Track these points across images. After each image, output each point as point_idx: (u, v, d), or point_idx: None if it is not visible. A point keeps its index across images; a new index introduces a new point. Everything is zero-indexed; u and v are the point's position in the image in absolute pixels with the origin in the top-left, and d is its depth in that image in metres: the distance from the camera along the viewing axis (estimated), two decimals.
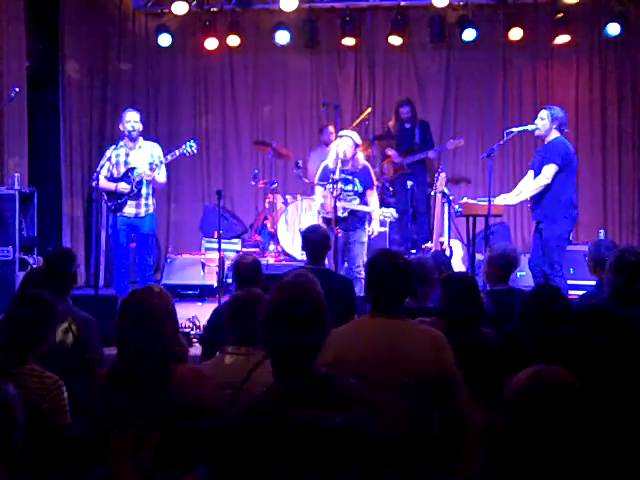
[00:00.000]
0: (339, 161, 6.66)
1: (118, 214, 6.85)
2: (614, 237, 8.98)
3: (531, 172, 6.39)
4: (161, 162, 6.88)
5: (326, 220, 6.76)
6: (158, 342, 2.81)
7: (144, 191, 6.88)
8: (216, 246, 7.59)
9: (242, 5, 9.40)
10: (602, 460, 2.08)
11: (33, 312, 3.16)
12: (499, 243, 6.05)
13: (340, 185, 6.61)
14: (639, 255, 3.94)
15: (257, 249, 8.73)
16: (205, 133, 9.89)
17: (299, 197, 8.50)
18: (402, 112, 9.07)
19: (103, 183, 6.77)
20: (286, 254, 8.42)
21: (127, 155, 6.89)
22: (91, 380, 3.00)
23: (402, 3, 9.34)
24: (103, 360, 3.98)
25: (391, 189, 9.06)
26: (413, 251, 8.22)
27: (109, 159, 6.82)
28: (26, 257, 7.52)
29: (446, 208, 6.73)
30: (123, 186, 6.80)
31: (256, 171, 9.04)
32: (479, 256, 6.60)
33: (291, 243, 8.35)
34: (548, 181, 6.09)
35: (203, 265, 8.28)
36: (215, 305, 5.70)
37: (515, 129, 6.50)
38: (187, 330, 5.71)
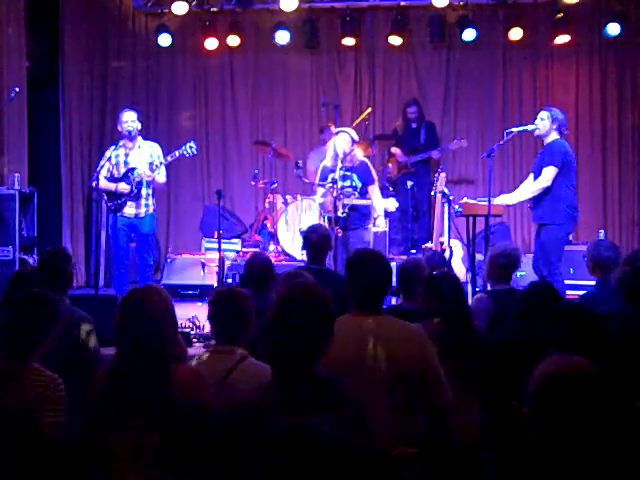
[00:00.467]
0: (338, 159, 6.65)
1: (118, 214, 6.85)
2: (614, 237, 8.98)
3: (531, 176, 6.39)
4: (161, 162, 6.88)
5: (330, 220, 6.75)
6: (157, 341, 2.80)
7: (144, 191, 6.87)
8: (216, 246, 7.59)
9: (242, 5, 9.40)
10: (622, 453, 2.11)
11: (34, 311, 3.15)
12: (500, 243, 6.05)
13: (339, 183, 6.60)
14: None
15: (257, 249, 8.72)
16: (205, 133, 9.89)
17: (299, 197, 8.50)
18: (409, 112, 9.10)
19: (103, 183, 6.76)
20: (286, 254, 8.42)
21: (127, 155, 6.89)
22: (89, 380, 2.98)
23: (402, 3, 9.34)
24: (101, 360, 3.98)
25: (391, 189, 9.07)
26: (413, 251, 8.23)
27: (109, 159, 6.82)
28: (26, 257, 7.52)
29: (446, 208, 6.73)
30: (123, 186, 6.80)
31: (256, 171, 9.03)
32: (479, 256, 6.60)
33: (291, 243, 8.35)
34: (548, 183, 6.09)
35: (203, 265, 8.28)
36: None
37: (515, 129, 6.49)
38: (187, 330, 5.71)
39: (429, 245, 6.87)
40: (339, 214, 6.60)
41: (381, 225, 6.99)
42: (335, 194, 6.54)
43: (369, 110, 9.35)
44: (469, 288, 6.58)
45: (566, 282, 6.33)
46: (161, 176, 6.94)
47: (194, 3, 9.40)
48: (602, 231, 8.77)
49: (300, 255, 7.85)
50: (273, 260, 8.17)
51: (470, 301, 5.57)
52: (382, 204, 6.85)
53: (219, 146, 9.97)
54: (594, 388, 1.98)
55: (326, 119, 9.44)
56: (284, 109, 9.93)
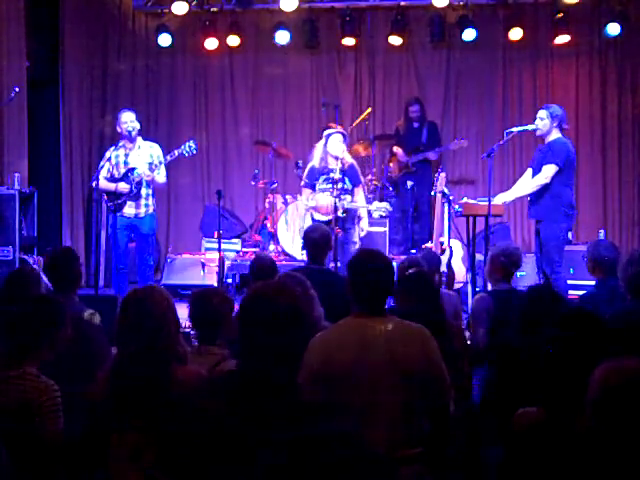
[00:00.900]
0: (338, 161, 6.66)
1: (118, 214, 6.85)
2: (614, 237, 8.97)
3: (530, 170, 6.39)
4: (160, 162, 6.88)
5: (319, 222, 6.74)
6: (159, 341, 2.79)
7: (144, 191, 6.87)
8: (216, 246, 7.59)
9: (242, 5, 9.40)
10: None
11: (32, 314, 3.11)
12: (501, 242, 6.05)
13: (339, 183, 6.62)
14: None
15: (257, 249, 8.72)
16: (205, 133, 9.89)
17: (299, 197, 8.49)
18: (411, 111, 9.07)
19: (103, 184, 6.77)
20: (286, 254, 8.41)
21: (126, 156, 6.89)
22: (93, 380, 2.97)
23: (402, 3, 9.34)
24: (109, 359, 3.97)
25: (391, 189, 9.07)
26: (413, 251, 8.22)
27: (109, 160, 6.82)
28: (26, 257, 7.51)
29: (446, 208, 6.73)
30: (123, 186, 6.80)
31: (256, 171, 9.03)
32: (479, 256, 6.60)
33: (291, 243, 8.34)
34: (547, 181, 6.09)
35: (203, 265, 8.28)
36: None
37: (515, 129, 6.50)
38: (187, 330, 5.70)
39: (429, 245, 6.88)
40: (339, 214, 6.61)
41: (365, 228, 7.03)
42: (335, 194, 6.54)
43: (369, 110, 9.34)
44: (469, 288, 6.59)
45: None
46: (161, 176, 6.94)
47: (194, 3, 9.40)
48: (602, 231, 8.77)
49: (300, 255, 7.85)
50: None
51: (470, 301, 5.58)
52: (374, 206, 6.94)
53: (219, 146, 9.97)
54: None
55: (326, 119, 9.44)
56: (284, 109, 9.93)
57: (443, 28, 9.31)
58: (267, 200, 8.73)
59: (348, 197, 6.84)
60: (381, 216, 7.38)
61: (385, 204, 6.99)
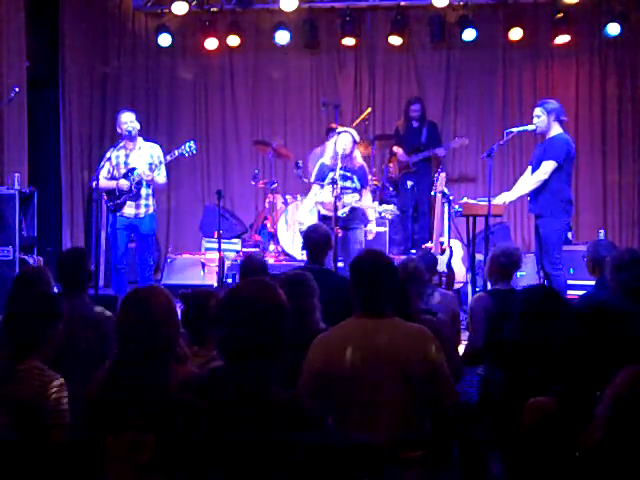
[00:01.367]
0: (339, 159, 6.66)
1: (118, 214, 6.86)
2: (614, 237, 8.97)
3: (530, 169, 6.38)
4: (161, 162, 6.88)
5: (324, 218, 6.76)
6: (158, 340, 2.78)
7: (144, 191, 6.87)
8: (216, 246, 7.59)
9: (242, 5, 9.40)
10: None
11: (34, 310, 3.13)
12: (502, 242, 6.05)
13: (340, 182, 6.61)
14: None
15: (257, 249, 8.72)
16: (205, 133, 9.89)
17: (299, 197, 8.49)
18: (412, 110, 9.05)
19: (103, 183, 6.77)
20: (286, 254, 8.42)
21: (127, 156, 6.89)
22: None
23: (402, 3, 9.34)
24: None
25: (391, 189, 9.07)
26: (413, 251, 8.22)
27: (109, 160, 6.82)
28: (26, 257, 7.51)
29: (446, 208, 6.73)
30: (123, 182, 6.81)
31: (256, 171, 9.03)
32: (479, 256, 6.60)
33: (291, 243, 8.35)
34: (546, 177, 6.08)
35: (203, 265, 8.28)
36: None
37: (515, 129, 6.49)
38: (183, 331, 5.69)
39: (429, 245, 6.88)
40: (339, 214, 6.61)
41: (373, 230, 7.01)
42: (335, 194, 6.54)
43: (369, 110, 9.35)
44: (469, 288, 6.59)
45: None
46: (161, 176, 6.94)
47: (194, 3, 9.40)
48: (602, 231, 8.77)
49: (300, 255, 7.85)
50: (273, 260, 8.27)
51: (470, 301, 5.58)
52: (380, 208, 6.90)
53: (219, 146, 9.97)
54: None
55: (326, 119, 9.44)
56: (284, 109, 9.93)
57: (443, 28, 9.31)
58: (267, 200, 8.74)
59: (356, 196, 6.82)
60: (386, 217, 7.36)
61: (391, 206, 6.98)
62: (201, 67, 9.92)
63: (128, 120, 6.87)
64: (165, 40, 9.42)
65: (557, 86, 9.45)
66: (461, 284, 7.14)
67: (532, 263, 6.90)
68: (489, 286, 5.14)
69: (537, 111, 6.23)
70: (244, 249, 8.77)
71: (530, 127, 6.33)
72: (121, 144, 6.92)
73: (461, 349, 4.65)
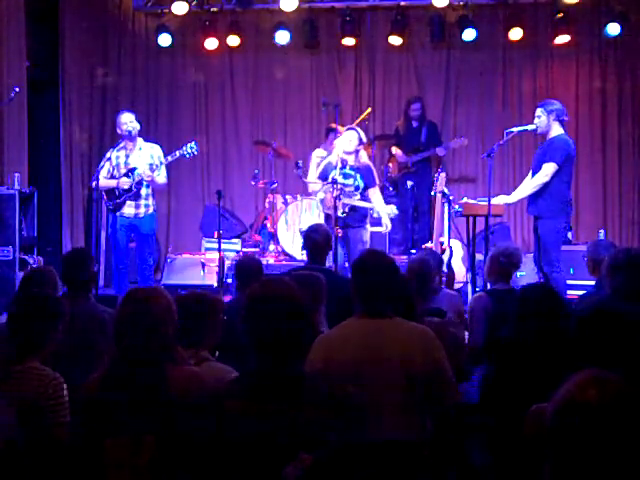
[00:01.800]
0: (339, 156, 6.66)
1: (117, 214, 6.86)
2: (614, 237, 8.97)
3: (531, 173, 6.38)
4: (161, 163, 6.89)
5: (328, 216, 6.76)
6: (155, 340, 2.77)
7: (144, 191, 6.88)
8: (216, 246, 7.59)
9: (242, 5, 9.40)
10: None
11: (34, 311, 3.14)
12: (502, 242, 6.05)
13: (341, 180, 6.61)
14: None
15: (257, 249, 8.72)
16: (205, 133, 9.89)
17: (299, 197, 8.50)
18: (412, 109, 9.04)
19: (103, 182, 6.78)
20: (286, 254, 8.42)
21: (127, 157, 6.90)
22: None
23: (402, 3, 9.34)
24: None
25: (391, 189, 9.07)
26: (413, 251, 8.22)
27: (109, 160, 6.83)
28: (26, 257, 7.51)
29: (446, 208, 6.73)
30: (124, 180, 6.81)
31: (256, 171, 9.03)
32: (479, 256, 6.60)
33: (291, 243, 8.35)
34: (547, 179, 6.09)
35: (203, 265, 8.27)
36: None
37: (515, 129, 6.49)
38: None
39: (429, 245, 6.88)
40: (339, 214, 6.60)
41: (388, 225, 7.01)
42: (335, 194, 6.54)
43: (369, 110, 9.34)
44: (469, 288, 6.59)
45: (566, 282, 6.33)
46: (161, 177, 6.95)
47: (194, 3, 9.40)
48: (602, 231, 8.77)
49: (300, 255, 7.85)
50: (273, 260, 8.27)
51: (470, 301, 5.58)
52: (383, 207, 6.90)
53: (219, 146, 9.97)
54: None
55: (326, 119, 9.44)
56: (284, 109, 9.93)
57: (443, 28, 9.31)
58: (267, 200, 8.74)
59: (357, 195, 6.82)
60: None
61: (392, 206, 6.98)
62: (201, 67, 9.92)
63: (128, 120, 6.87)
64: (165, 40, 9.42)
65: (557, 86, 9.45)
66: (461, 284, 7.14)
67: (532, 263, 6.89)
68: (489, 286, 5.15)
69: (538, 111, 6.24)
70: (244, 249, 8.77)
71: (530, 127, 6.33)
72: (121, 144, 6.92)
73: None
